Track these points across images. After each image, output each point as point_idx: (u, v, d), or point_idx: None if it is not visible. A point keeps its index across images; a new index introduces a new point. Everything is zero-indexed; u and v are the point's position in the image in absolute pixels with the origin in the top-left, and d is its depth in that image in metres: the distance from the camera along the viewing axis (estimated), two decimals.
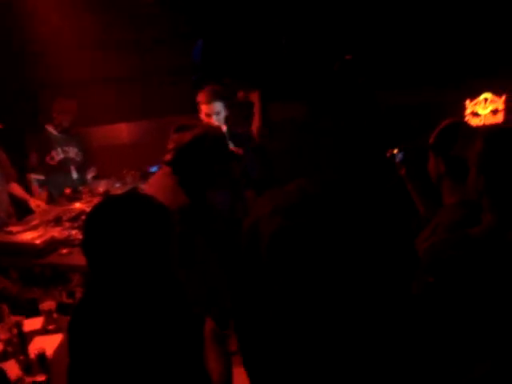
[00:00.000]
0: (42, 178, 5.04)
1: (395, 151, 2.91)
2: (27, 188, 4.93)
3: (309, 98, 6.56)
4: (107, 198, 1.62)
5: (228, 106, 3.76)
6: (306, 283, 0.81)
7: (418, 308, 1.52)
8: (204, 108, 3.72)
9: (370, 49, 6.67)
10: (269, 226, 0.85)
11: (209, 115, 3.70)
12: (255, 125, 4.55)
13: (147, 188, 3.01)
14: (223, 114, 3.74)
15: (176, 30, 7.18)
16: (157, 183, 2.92)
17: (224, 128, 3.67)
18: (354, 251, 0.82)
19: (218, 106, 3.72)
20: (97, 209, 1.57)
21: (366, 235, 0.83)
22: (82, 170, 5.30)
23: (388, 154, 2.92)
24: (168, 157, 2.82)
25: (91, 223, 1.55)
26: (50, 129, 5.17)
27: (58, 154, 5.13)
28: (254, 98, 4.86)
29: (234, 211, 3.69)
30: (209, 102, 3.69)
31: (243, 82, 5.15)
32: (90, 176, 5.33)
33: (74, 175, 5.22)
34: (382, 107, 6.17)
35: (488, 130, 1.89)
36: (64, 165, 5.17)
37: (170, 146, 2.81)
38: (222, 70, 7.43)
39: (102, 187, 4.93)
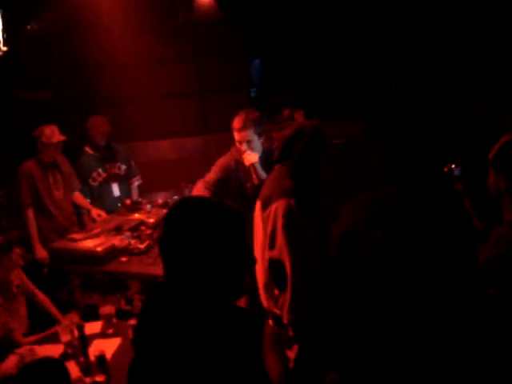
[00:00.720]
0: (87, 201, 4.95)
1: (453, 166, 2.87)
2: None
3: (367, 116, 6.54)
4: (185, 198, 1.66)
5: (261, 133, 3.63)
6: (401, 287, 0.87)
7: (479, 319, 1.49)
8: (236, 135, 3.63)
9: (427, 68, 6.62)
10: (370, 235, 0.90)
11: (241, 143, 3.62)
12: None
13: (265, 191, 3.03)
14: (256, 141, 3.61)
15: (233, 48, 7.32)
16: (271, 182, 3.00)
17: (256, 158, 3.60)
18: (438, 259, 0.88)
19: (250, 134, 3.59)
20: (176, 207, 1.62)
21: (444, 244, 0.90)
22: (124, 183, 5.24)
23: (446, 169, 2.88)
24: (275, 156, 2.97)
25: (170, 220, 1.59)
26: (88, 150, 5.05)
27: (99, 175, 5.03)
28: (299, 116, 4.86)
29: None
30: (240, 129, 3.58)
31: (295, 99, 5.17)
32: (135, 184, 5.31)
33: (116, 193, 5.15)
34: (439, 125, 6.09)
35: None
36: (105, 184, 5.08)
37: (275, 144, 3.02)
38: (278, 88, 7.52)
39: (161, 199, 5.03)
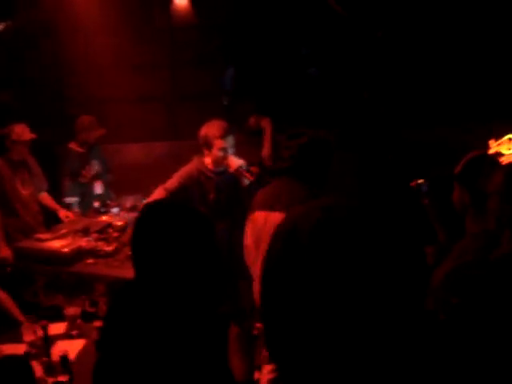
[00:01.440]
0: (76, 199, 5.02)
1: (420, 181, 2.97)
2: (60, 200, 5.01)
3: (335, 127, 6.64)
4: (157, 201, 1.69)
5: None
6: (336, 269, 0.89)
7: (443, 329, 1.56)
8: (219, 143, 3.67)
9: (395, 84, 6.76)
10: (309, 219, 0.92)
11: (224, 149, 3.68)
12: (265, 151, 4.63)
13: (264, 197, 2.92)
14: (233, 148, 3.73)
15: (208, 55, 7.35)
16: (280, 189, 2.86)
17: (241, 161, 3.67)
18: (371, 253, 0.90)
19: (232, 140, 3.71)
20: (148, 209, 1.67)
21: (382, 248, 0.92)
22: (105, 184, 5.31)
23: (413, 184, 2.98)
24: (285, 164, 2.85)
25: (142, 222, 1.63)
26: (74, 147, 5.15)
27: (88, 171, 5.14)
28: (266, 124, 4.91)
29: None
30: (223, 136, 3.66)
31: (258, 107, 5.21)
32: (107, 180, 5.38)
33: (98, 190, 5.23)
34: (408, 142, 6.23)
35: (510, 164, 1.96)
36: (91, 182, 5.19)
37: (286, 154, 2.84)
38: (251, 96, 7.57)
39: (129, 202, 5.03)
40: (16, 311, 3.50)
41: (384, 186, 5.44)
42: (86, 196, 5.14)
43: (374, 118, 6.79)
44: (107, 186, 5.36)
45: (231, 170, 3.68)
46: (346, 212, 0.95)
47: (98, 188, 5.24)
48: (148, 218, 1.64)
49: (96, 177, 5.22)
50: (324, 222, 0.92)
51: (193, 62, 7.24)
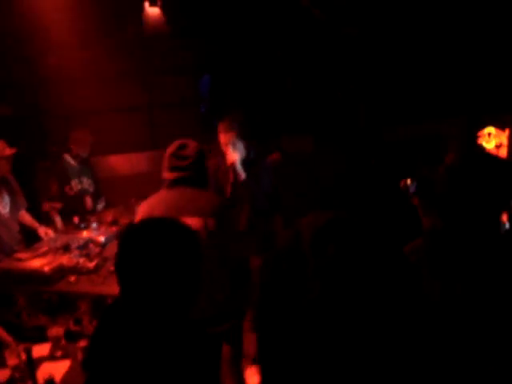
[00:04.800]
0: (58, 206, 4.99)
1: (408, 182, 2.97)
2: (40, 217, 4.94)
3: (315, 132, 6.65)
4: (142, 220, 1.68)
5: (245, 137, 3.80)
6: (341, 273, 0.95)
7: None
8: (221, 137, 3.79)
9: (375, 83, 6.78)
10: (311, 226, 1.00)
11: (225, 144, 3.77)
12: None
13: (152, 205, 3.01)
14: (239, 144, 3.78)
15: (182, 63, 7.32)
16: (176, 196, 2.96)
17: (236, 157, 3.74)
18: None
19: (233, 136, 3.77)
20: (132, 228, 1.65)
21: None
22: (93, 200, 5.32)
23: (401, 185, 2.97)
24: (182, 174, 2.92)
25: (126, 242, 1.61)
26: (68, 159, 5.23)
27: (76, 185, 5.19)
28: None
29: None
30: (224, 131, 3.76)
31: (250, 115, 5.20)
32: (100, 206, 5.38)
33: (89, 205, 5.24)
34: (389, 140, 6.26)
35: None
36: (80, 195, 5.20)
37: (181, 163, 2.92)
38: (228, 103, 7.56)
39: (109, 216, 4.97)
40: (4, 335, 3.43)
41: (371, 190, 5.45)
42: (76, 209, 5.10)
43: (350, 118, 6.81)
44: (95, 203, 5.33)
45: (228, 164, 3.77)
46: (344, 222, 1.01)
47: (89, 203, 5.23)
48: (133, 235, 1.61)
49: (83, 192, 5.22)
50: (324, 229, 0.98)
51: (167, 70, 7.20)
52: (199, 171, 2.96)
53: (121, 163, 7.10)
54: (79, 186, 5.21)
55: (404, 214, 2.87)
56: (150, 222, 1.70)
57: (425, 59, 6.42)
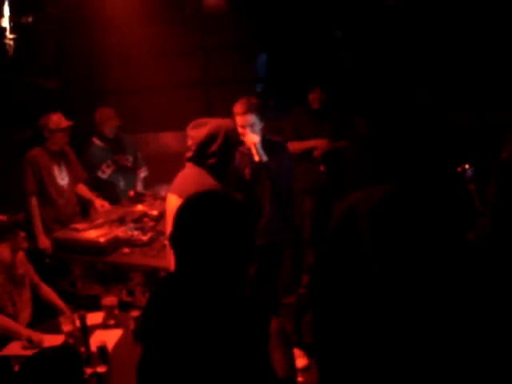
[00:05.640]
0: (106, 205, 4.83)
1: (466, 166, 2.87)
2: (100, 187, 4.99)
3: (371, 114, 6.52)
4: (196, 193, 1.69)
5: (262, 119, 3.71)
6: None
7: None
8: (238, 119, 3.68)
9: (435, 67, 6.59)
10: (369, 202, 0.97)
11: (243, 127, 3.66)
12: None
13: (176, 183, 3.08)
14: (258, 126, 3.69)
15: (239, 41, 7.29)
16: (185, 175, 3.08)
17: (257, 138, 3.65)
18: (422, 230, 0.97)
19: (253, 118, 3.66)
20: (188, 201, 1.65)
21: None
22: (131, 174, 5.24)
23: (459, 169, 2.88)
24: (189, 154, 3.06)
25: (183, 214, 1.61)
26: (97, 141, 5.04)
27: (108, 167, 5.03)
28: None
29: None
30: (243, 113, 3.65)
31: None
32: (141, 176, 5.31)
33: (122, 185, 5.14)
34: (451, 126, 6.07)
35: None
36: (114, 176, 5.09)
37: (190, 142, 3.06)
38: (284, 83, 7.50)
39: (164, 191, 5.00)
40: (60, 303, 3.53)
41: (428, 171, 5.31)
42: (111, 190, 5.06)
43: (409, 105, 6.65)
44: (136, 178, 5.29)
45: (247, 146, 3.68)
46: (403, 196, 1.00)
47: (122, 183, 5.15)
48: (191, 209, 1.62)
49: (121, 170, 5.13)
50: (383, 204, 0.97)
51: (224, 47, 7.18)
52: (204, 152, 3.02)
53: (175, 140, 7.14)
54: (114, 167, 5.05)
55: (459, 197, 2.78)
56: (205, 195, 1.69)
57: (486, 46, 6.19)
